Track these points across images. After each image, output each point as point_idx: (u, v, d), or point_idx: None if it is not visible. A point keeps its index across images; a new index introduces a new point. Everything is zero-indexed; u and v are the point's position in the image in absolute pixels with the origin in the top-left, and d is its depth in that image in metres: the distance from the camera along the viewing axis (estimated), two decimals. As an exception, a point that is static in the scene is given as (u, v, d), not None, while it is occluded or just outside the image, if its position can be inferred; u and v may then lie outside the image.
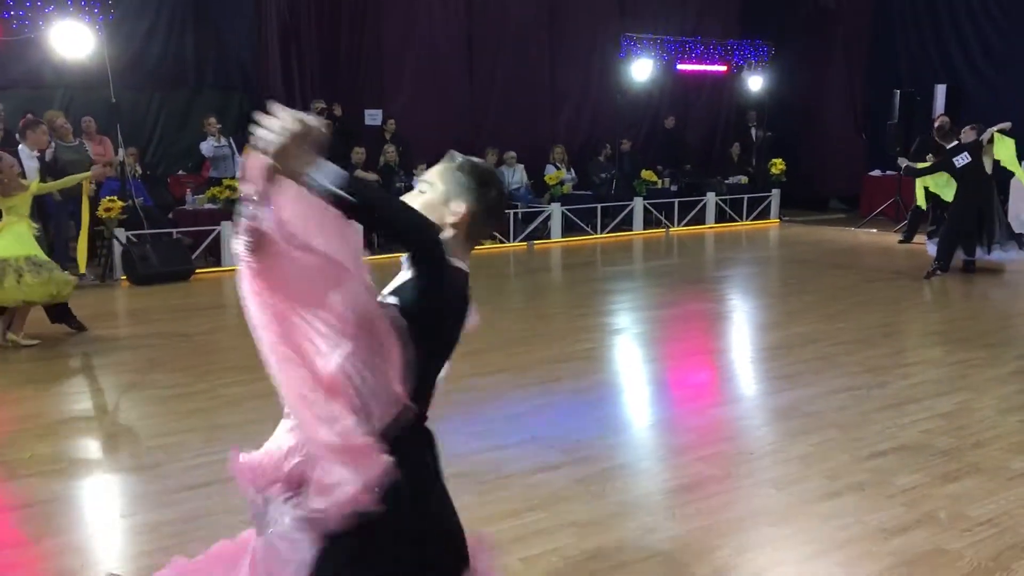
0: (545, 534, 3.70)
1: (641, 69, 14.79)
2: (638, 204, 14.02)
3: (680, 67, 15.58)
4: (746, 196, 15.15)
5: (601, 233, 13.59)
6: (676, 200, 14.48)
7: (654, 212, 14.23)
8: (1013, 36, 13.76)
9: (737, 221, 15.01)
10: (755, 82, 16.00)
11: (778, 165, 15.27)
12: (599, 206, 13.69)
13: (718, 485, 4.26)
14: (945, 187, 10.36)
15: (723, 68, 16.19)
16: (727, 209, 14.97)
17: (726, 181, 15.30)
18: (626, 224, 14.01)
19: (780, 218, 15.34)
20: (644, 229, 14.08)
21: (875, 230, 13.87)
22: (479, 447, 4.73)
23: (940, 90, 14.15)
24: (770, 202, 15.32)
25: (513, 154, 13.54)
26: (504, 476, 4.33)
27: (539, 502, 4.02)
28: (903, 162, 10.86)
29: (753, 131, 16.20)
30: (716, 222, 14.78)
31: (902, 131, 13.51)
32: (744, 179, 15.52)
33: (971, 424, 5.09)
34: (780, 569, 3.45)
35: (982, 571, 3.38)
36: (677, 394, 6.03)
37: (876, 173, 15.24)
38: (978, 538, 3.64)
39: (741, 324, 8.29)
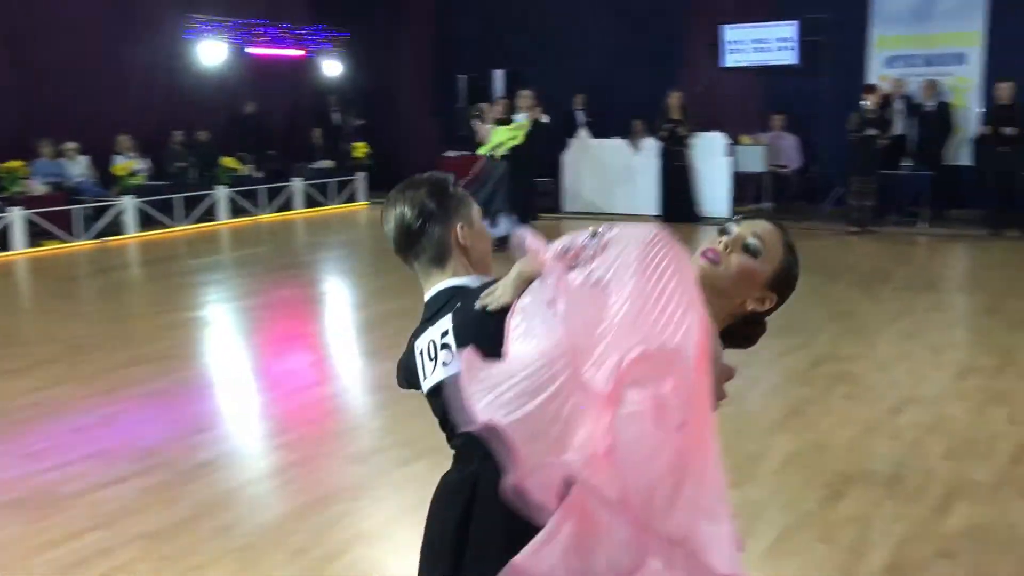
0: (108, 553, 3.46)
1: (211, 53, 14.27)
2: (221, 193, 13.55)
3: (252, 51, 15.25)
4: (332, 180, 15.31)
5: (184, 225, 12.94)
6: (262, 187, 14.22)
7: (239, 200, 13.84)
8: (566, 23, 15.27)
9: (325, 205, 15.12)
10: (332, 67, 16.17)
11: (361, 148, 15.62)
12: (179, 197, 13.01)
13: (301, 467, 4.28)
14: None
15: (299, 53, 16.14)
16: (315, 194, 15.01)
17: (312, 166, 15.33)
18: (210, 214, 13.48)
19: (368, 201, 15.73)
20: (232, 218, 13.65)
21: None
22: (36, 469, 4.28)
23: (499, 74, 15.38)
24: (356, 185, 15.63)
25: (74, 145, 12.38)
26: (64, 497, 3.97)
27: (104, 519, 3.74)
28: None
29: (336, 115, 16.39)
30: (305, 207, 14.76)
31: (468, 114, 14.47)
32: (330, 163, 15.66)
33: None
34: (365, 541, 3.55)
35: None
36: (265, 382, 5.95)
37: (451, 154, 16.19)
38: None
39: (331, 306, 8.39)
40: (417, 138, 16.82)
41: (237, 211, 13.80)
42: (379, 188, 16.20)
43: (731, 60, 13.83)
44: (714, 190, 12.94)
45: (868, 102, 11.28)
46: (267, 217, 14.08)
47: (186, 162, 13.74)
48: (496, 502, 1.42)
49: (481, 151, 10.47)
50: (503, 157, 10.26)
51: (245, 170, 14.40)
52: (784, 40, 13.29)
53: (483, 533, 1.67)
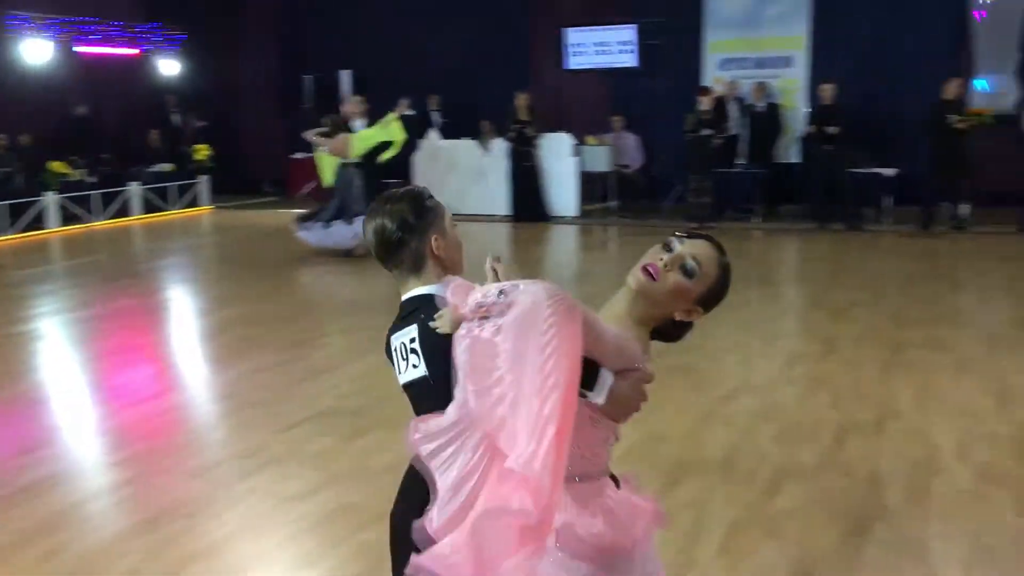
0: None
1: (35, 51, 13.44)
2: (50, 199, 12.78)
3: (81, 50, 14.47)
4: (172, 184, 14.70)
5: (9, 234, 12.14)
6: (95, 192, 13.50)
7: (71, 207, 13.10)
8: (414, 23, 15.19)
9: (166, 211, 14.51)
10: (170, 67, 15.54)
11: (202, 151, 15.08)
12: (2, 204, 12.19)
13: (138, 484, 4.09)
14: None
15: (134, 52, 15.42)
16: (154, 199, 14.38)
17: (149, 170, 14.67)
18: (39, 222, 12.69)
19: (212, 205, 15.20)
20: (63, 226, 12.90)
21: (306, 210, 14.46)
22: None
23: (345, 75, 15.18)
24: (199, 189, 15.07)
25: None
26: None
27: (-88, 553, 3.46)
28: (309, 135, 11.06)
29: (175, 117, 15.75)
30: (144, 213, 14.11)
31: (316, 114, 14.21)
32: (169, 167, 15.03)
33: (378, 383, 5.58)
34: (202, 559, 3.43)
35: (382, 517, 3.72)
36: (102, 396, 5.66)
37: (299, 156, 15.85)
38: (379, 487, 4.00)
39: (172, 314, 8.06)
40: (263, 140, 16.40)
41: (69, 218, 13.06)
42: (223, 192, 15.69)
43: (575, 62, 14.15)
44: (562, 190, 13.19)
45: (702, 103, 11.77)
46: (102, 224, 13.38)
47: (10, 167, 12.90)
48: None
49: (354, 156, 10.14)
50: (357, 164, 10.06)
51: (76, 175, 13.65)
52: (624, 43, 13.71)
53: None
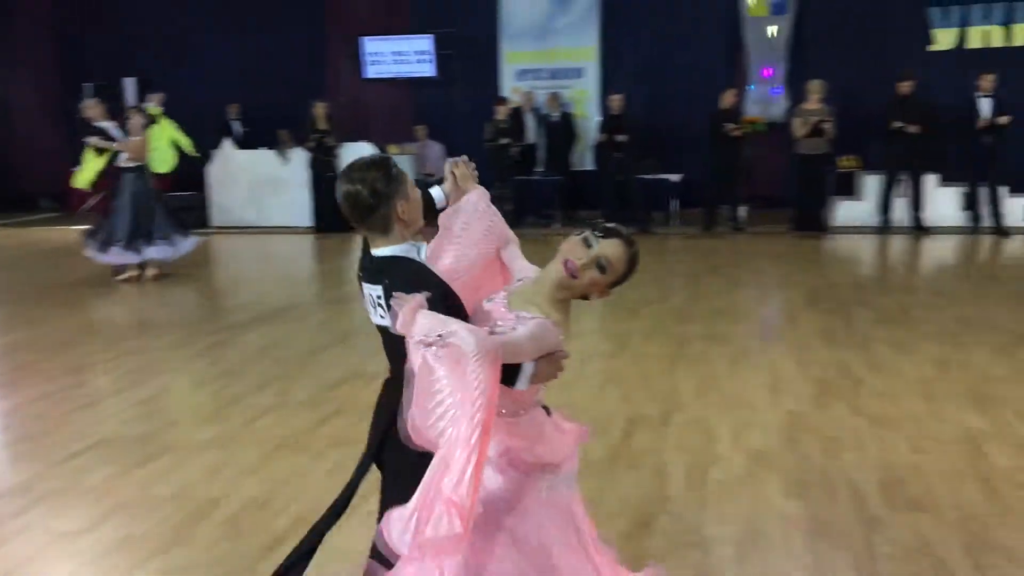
0: None
1: None
2: None
3: None
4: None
5: None
6: None
7: None
8: (203, 30, 14.59)
9: (-71, 230, 13.24)
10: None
11: (-31, 165, 13.87)
12: None
13: None
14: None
15: None
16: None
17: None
18: None
19: (-17, 221, 14.01)
20: None
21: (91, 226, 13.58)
22: None
23: (129, 82, 14.40)
24: (-33, 205, 13.87)
25: None
26: None
27: None
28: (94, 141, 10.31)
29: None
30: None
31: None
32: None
33: (167, 406, 5.33)
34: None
35: (168, 547, 3.55)
36: None
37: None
38: (163, 513, 3.82)
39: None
40: (39, 153, 15.31)
41: None
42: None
43: (373, 71, 14.10)
44: (365, 199, 13.08)
45: (500, 113, 12.03)
46: None
47: None
48: None
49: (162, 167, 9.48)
50: (137, 168, 9.41)
51: None
52: (422, 53, 13.79)
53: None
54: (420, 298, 2.16)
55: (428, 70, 13.73)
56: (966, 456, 4.27)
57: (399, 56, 13.92)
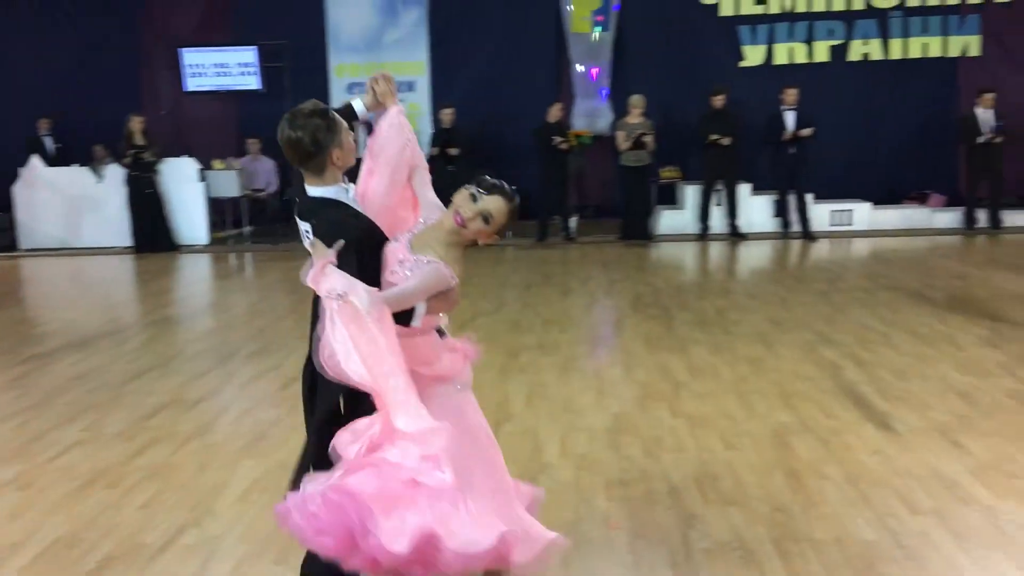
0: None
1: None
2: None
3: None
4: None
5: None
6: None
7: None
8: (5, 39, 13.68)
9: None
10: None
11: None
12: None
13: None
14: None
15: None
16: None
17: None
18: None
19: None
20: None
21: None
22: None
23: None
24: None
25: None
26: None
27: None
28: None
29: None
30: None
31: None
32: None
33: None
34: None
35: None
36: None
37: None
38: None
39: None
40: None
41: None
42: None
43: (193, 84, 13.60)
44: (189, 216, 12.61)
45: (330, 126, 11.84)
46: None
47: None
48: None
49: None
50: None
51: None
52: (246, 65, 13.41)
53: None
54: (330, 254, 2.61)
55: (253, 83, 13.36)
56: (775, 450, 4.52)
57: (221, 68, 13.48)
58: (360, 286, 2.55)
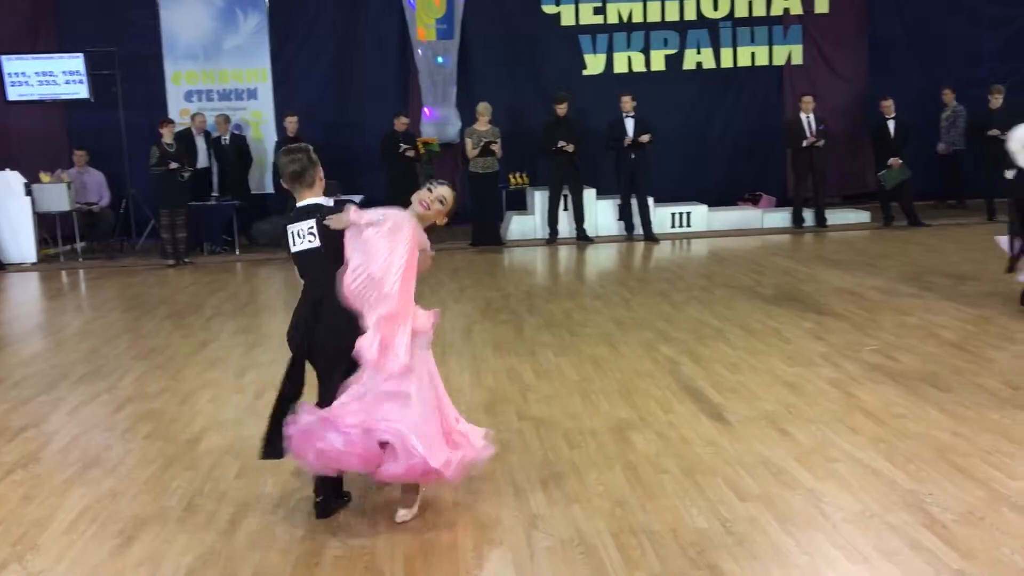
0: None
1: None
2: None
3: None
4: None
5: None
6: None
7: None
8: None
9: None
10: None
11: None
12: None
13: None
14: None
15: None
16: None
17: None
18: None
19: None
20: None
21: None
22: None
23: None
24: None
25: None
26: None
27: None
28: None
29: None
30: None
31: None
32: None
33: None
34: None
35: None
36: None
37: None
38: None
39: None
40: None
41: None
42: None
43: (15, 93, 12.79)
44: (16, 233, 11.93)
45: (166, 136, 11.39)
46: None
47: None
48: (335, 306, 3.75)
49: None
50: None
51: None
52: (72, 73, 12.73)
53: (328, 318, 3.82)
54: (353, 205, 3.72)
55: (81, 91, 12.69)
56: (616, 446, 4.66)
57: (46, 77, 12.73)
58: (392, 210, 3.77)
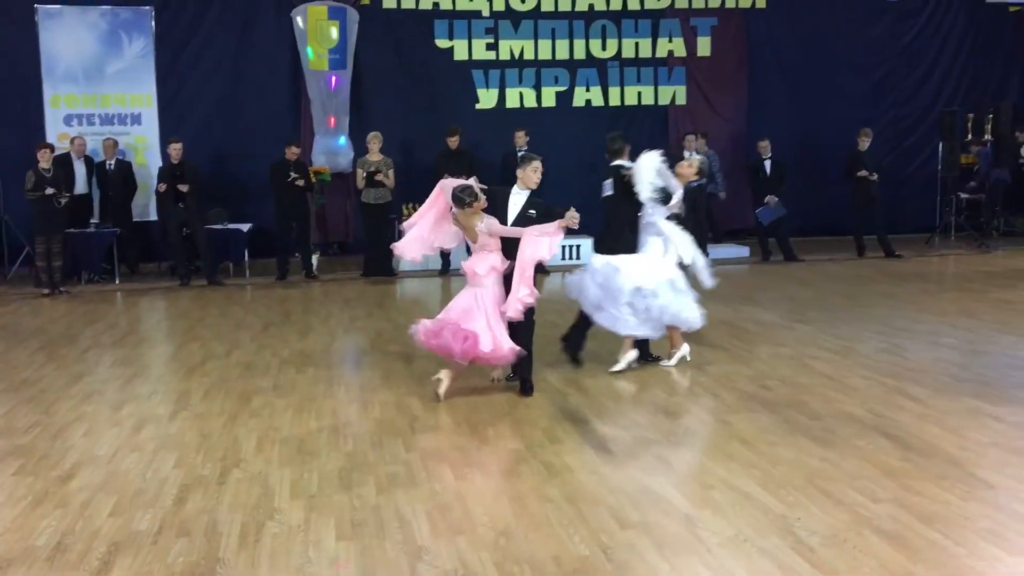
0: None
1: None
2: None
3: None
4: None
5: None
6: None
7: None
8: None
9: None
10: None
11: None
12: None
13: None
14: None
15: None
16: None
17: None
18: None
19: None
20: None
21: None
22: None
23: None
24: None
25: None
26: None
27: None
28: None
29: None
30: None
31: None
32: None
33: None
34: None
35: None
36: None
37: None
38: None
39: None
40: None
41: None
42: None
43: None
44: None
45: (43, 161, 10.97)
46: None
47: None
48: None
49: None
50: None
51: None
52: (-58, 93, 12.15)
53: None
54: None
55: (-49, 113, 12.12)
56: (502, 477, 4.71)
57: (-88, 97, 12.12)
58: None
